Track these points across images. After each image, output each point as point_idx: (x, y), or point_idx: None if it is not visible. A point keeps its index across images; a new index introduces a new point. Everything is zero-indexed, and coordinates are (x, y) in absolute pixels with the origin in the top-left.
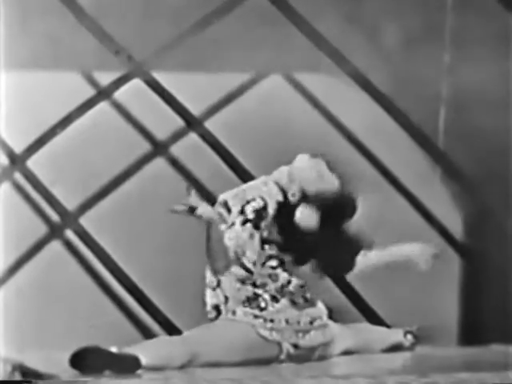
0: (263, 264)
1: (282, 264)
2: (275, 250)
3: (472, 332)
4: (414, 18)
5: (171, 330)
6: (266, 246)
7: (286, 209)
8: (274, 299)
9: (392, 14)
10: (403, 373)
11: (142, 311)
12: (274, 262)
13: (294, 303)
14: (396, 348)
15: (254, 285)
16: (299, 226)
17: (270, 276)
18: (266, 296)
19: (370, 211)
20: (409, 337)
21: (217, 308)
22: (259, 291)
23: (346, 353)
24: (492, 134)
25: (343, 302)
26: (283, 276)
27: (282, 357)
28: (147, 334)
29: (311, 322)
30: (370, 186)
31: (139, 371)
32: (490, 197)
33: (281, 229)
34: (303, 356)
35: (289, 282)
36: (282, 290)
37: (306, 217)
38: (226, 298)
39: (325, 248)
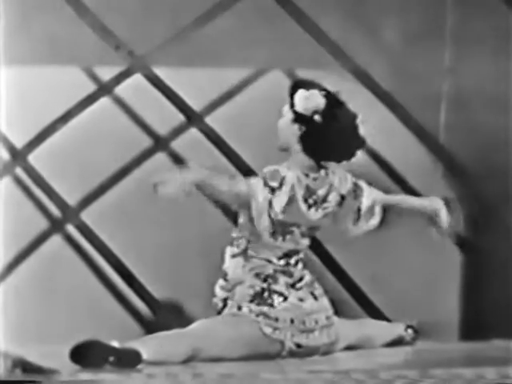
0: (280, 258)
1: (298, 262)
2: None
3: (473, 327)
4: (415, 14)
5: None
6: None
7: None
8: (282, 296)
9: (393, 11)
10: (404, 368)
11: (143, 306)
12: (292, 260)
13: (301, 300)
14: (397, 342)
15: (265, 279)
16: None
17: (284, 272)
18: (275, 294)
19: None
20: (409, 331)
21: (224, 301)
22: (269, 287)
23: (348, 348)
24: (493, 129)
25: (344, 297)
26: (297, 271)
27: (284, 354)
28: (148, 328)
29: (317, 322)
30: (370, 181)
31: (140, 366)
32: (491, 192)
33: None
34: (305, 354)
35: (301, 279)
36: (292, 286)
37: (307, 99)
38: (234, 292)
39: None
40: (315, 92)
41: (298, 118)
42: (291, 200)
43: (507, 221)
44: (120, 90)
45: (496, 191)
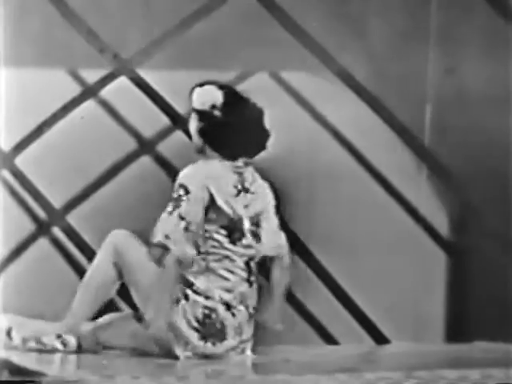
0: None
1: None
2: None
3: (458, 329)
4: (400, 16)
5: None
6: None
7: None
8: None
9: (378, 12)
10: (388, 369)
11: (127, 308)
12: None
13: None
14: None
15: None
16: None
17: None
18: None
19: None
20: None
21: None
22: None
23: None
24: (477, 131)
25: (329, 299)
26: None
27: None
28: None
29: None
30: (355, 184)
31: None
32: (475, 194)
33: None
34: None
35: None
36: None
37: (201, 94)
38: None
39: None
40: (211, 87)
41: (199, 115)
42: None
43: (492, 223)
44: (105, 92)
45: (480, 193)
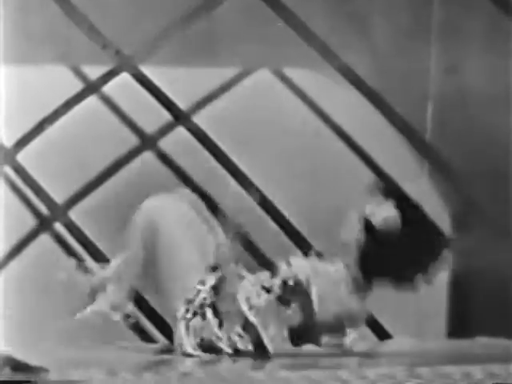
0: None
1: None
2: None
3: (460, 324)
4: (403, 13)
5: (163, 325)
6: None
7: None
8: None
9: (381, 10)
10: (389, 365)
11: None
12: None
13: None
14: None
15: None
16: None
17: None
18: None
19: None
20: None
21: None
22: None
23: None
24: (480, 128)
25: None
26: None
27: None
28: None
29: None
30: (357, 180)
31: None
32: (477, 190)
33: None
34: None
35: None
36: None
37: (388, 214)
38: None
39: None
40: (387, 205)
41: (365, 223)
42: None
43: (493, 219)
44: (107, 89)
45: (482, 189)
